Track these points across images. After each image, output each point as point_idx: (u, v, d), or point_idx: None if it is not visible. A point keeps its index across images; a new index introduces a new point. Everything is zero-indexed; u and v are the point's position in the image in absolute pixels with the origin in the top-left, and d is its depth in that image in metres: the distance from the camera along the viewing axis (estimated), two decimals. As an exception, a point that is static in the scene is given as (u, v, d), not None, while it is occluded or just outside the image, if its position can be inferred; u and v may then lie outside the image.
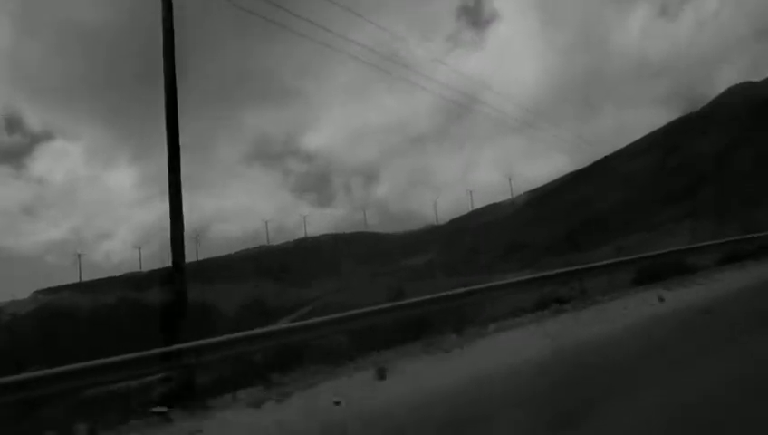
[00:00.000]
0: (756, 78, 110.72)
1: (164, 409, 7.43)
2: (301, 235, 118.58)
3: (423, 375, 8.16)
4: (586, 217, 71.51)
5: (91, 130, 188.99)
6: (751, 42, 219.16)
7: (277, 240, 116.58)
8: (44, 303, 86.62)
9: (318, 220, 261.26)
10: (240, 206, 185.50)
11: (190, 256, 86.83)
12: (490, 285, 13.31)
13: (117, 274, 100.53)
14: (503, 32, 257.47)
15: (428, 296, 11.31)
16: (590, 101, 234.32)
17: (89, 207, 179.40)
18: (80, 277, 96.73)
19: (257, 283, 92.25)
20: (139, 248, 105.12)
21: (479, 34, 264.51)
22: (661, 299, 12.70)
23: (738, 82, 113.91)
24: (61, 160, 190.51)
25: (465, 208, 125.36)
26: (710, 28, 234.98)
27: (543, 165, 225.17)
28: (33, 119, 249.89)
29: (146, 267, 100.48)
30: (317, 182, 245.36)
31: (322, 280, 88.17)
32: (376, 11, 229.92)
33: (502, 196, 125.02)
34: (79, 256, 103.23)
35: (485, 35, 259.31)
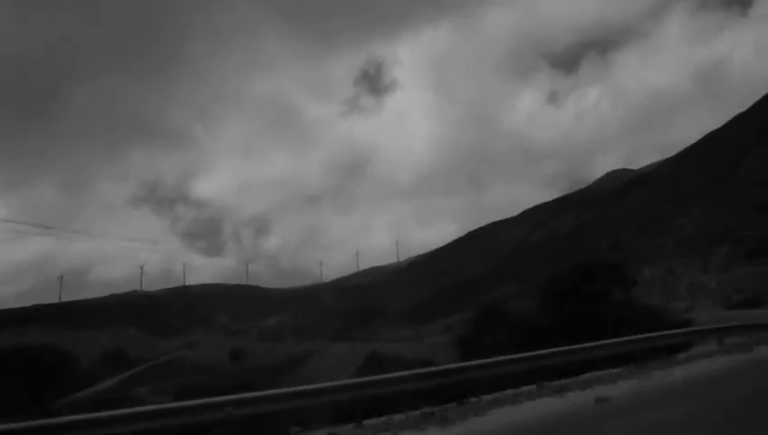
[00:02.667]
0: (635, 166, 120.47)
1: None
2: (186, 282, 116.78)
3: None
4: (444, 288, 73.79)
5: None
6: (636, 131, 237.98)
7: (160, 286, 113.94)
8: None
9: (206, 269, 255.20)
10: (123, 249, 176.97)
11: (53, 298, 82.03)
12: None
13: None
14: (400, 100, 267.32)
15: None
16: (480, 173, 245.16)
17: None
18: None
19: (123, 330, 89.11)
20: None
21: (377, 101, 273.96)
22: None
23: (616, 168, 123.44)
24: None
25: (354, 268, 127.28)
26: (593, 117, 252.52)
27: (435, 231, 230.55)
28: None
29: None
30: (206, 230, 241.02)
31: (190, 331, 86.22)
32: (277, 69, 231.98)
33: (391, 258, 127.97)
34: None
35: (383, 102, 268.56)
